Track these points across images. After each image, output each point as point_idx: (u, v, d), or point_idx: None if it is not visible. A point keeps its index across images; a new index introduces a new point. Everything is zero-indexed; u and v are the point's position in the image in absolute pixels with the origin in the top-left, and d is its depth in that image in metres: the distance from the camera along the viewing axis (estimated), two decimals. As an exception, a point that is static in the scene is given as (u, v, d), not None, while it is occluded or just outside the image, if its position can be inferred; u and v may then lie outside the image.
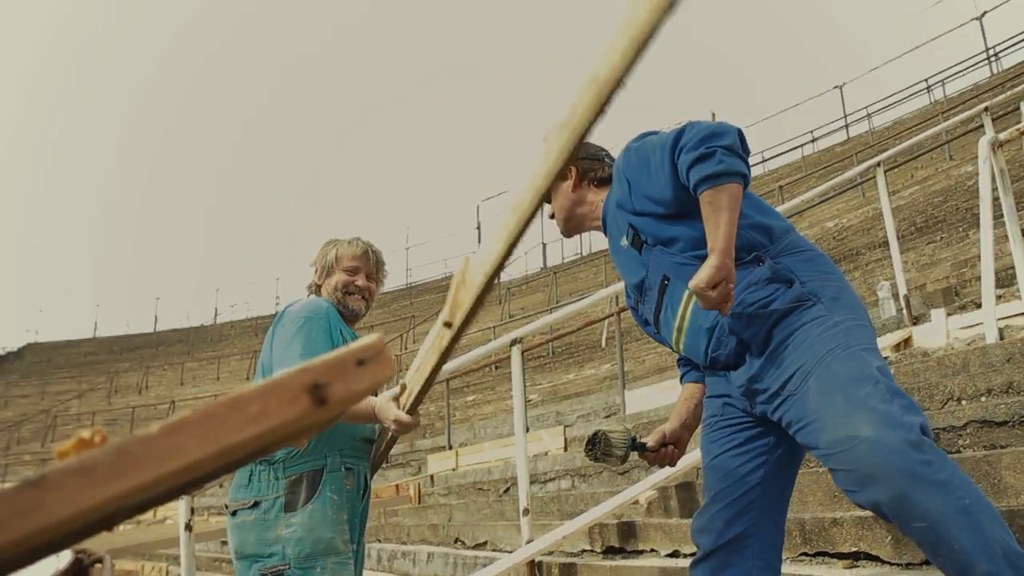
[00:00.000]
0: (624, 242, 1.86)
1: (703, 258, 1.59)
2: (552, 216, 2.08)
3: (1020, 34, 20.75)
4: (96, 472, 0.41)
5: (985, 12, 21.30)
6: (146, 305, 37.60)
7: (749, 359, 1.68)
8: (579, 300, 8.07)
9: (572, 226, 2.08)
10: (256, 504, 2.09)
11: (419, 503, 7.72)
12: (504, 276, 28.43)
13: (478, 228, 30.89)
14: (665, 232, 1.76)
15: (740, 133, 1.64)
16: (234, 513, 2.12)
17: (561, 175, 1.83)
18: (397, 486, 8.95)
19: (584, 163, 2.00)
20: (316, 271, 2.43)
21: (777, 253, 1.69)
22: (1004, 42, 21.22)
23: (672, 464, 2.03)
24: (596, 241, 27.17)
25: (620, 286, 6.61)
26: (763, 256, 1.68)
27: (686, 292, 1.70)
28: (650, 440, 1.98)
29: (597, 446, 1.95)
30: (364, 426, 2.31)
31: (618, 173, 1.88)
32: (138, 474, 0.42)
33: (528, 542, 3.91)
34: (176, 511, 4.07)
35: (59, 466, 0.41)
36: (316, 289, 2.43)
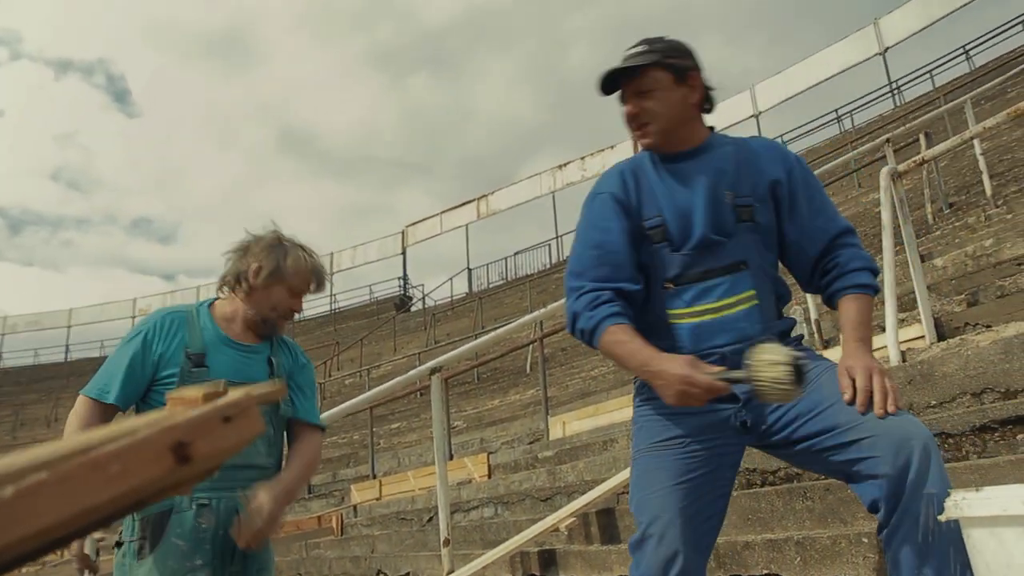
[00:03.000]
0: (729, 195, 1.78)
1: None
2: (636, 118, 1.83)
3: (919, 69, 21.91)
4: (-60, 541, 0.39)
5: (888, 48, 22.34)
6: (56, 334, 35.89)
7: None
8: (503, 326, 8.07)
9: (663, 141, 1.84)
10: (119, 544, 1.93)
11: (341, 535, 7.58)
12: (429, 302, 28.34)
13: (403, 253, 30.73)
14: (772, 236, 1.83)
15: None
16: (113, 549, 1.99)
17: (678, 79, 1.80)
18: (319, 518, 8.77)
19: (705, 85, 1.86)
20: (250, 269, 2.07)
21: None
22: (905, 76, 22.37)
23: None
24: (520, 266, 27.34)
25: (544, 311, 6.64)
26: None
27: (752, 291, 1.75)
28: None
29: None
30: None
31: (787, 155, 1.90)
32: (-13, 541, 0.41)
33: (449, 573, 3.88)
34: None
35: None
36: (234, 287, 2.10)
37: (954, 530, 1.39)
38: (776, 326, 1.81)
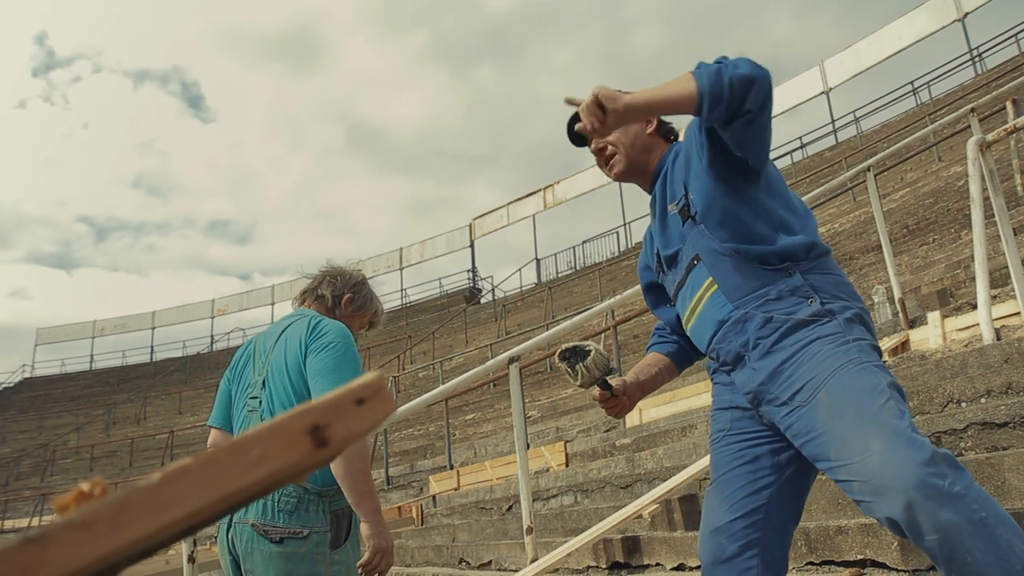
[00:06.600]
0: (673, 208, 1.84)
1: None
2: (602, 153, 1.94)
3: (1002, 35, 20.95)
4: (97, 526, 0.40)
5: (967, 13, 21.46)
6: (141, 336, 37.10)
7: (752, 363, 1.69)
8: (575, 315, 8.06)
9: (628, 170, 1.95)
10: (307, 536, 2.05)
11: (422, 524, 7.69)
12: (499, 293, 28.45)
13: (471, 245, 30.90)
14: (720, 208, 1.76)
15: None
16: (280, 540, 2.03)
17: None
18: (399, 508, 8.92)
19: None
20: (344, 298, 2.40)
21: (808, 270, 1.73)
22: (987, 43, 21.40)
23: (619, 415, 1.99)
24: (589, 255, 27.24)
25: (616, 300, 6.61)
26: (794, 269, 1.72)
27: (708, 278, 1.76)
28: (614, 383, 1.90)
29: (577, 356, 1.81)
30: None
31: (693, 134, 1.82)
32: (140, 525, 0.41)
33: (533, 561, 3.89)
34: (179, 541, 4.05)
35: (59, 521, 0.40)
36: (332, 308, 2.39)
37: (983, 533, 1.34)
38: (757, 298, 1.69)
